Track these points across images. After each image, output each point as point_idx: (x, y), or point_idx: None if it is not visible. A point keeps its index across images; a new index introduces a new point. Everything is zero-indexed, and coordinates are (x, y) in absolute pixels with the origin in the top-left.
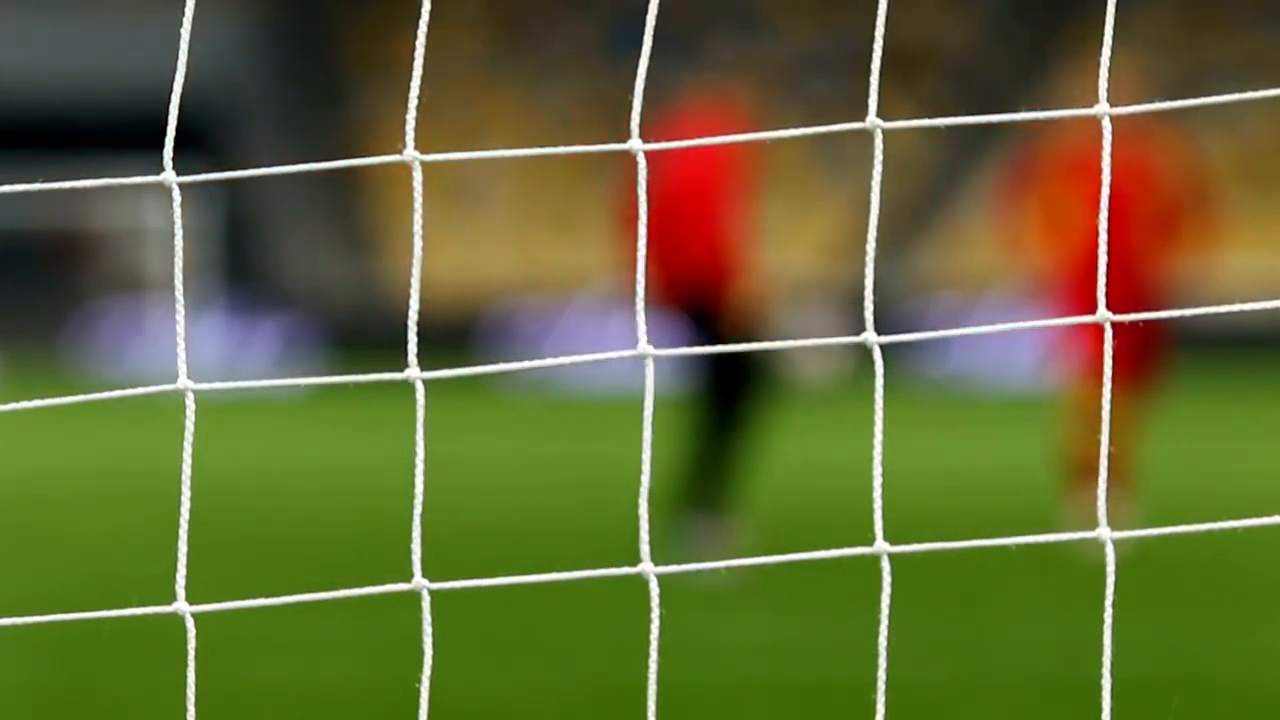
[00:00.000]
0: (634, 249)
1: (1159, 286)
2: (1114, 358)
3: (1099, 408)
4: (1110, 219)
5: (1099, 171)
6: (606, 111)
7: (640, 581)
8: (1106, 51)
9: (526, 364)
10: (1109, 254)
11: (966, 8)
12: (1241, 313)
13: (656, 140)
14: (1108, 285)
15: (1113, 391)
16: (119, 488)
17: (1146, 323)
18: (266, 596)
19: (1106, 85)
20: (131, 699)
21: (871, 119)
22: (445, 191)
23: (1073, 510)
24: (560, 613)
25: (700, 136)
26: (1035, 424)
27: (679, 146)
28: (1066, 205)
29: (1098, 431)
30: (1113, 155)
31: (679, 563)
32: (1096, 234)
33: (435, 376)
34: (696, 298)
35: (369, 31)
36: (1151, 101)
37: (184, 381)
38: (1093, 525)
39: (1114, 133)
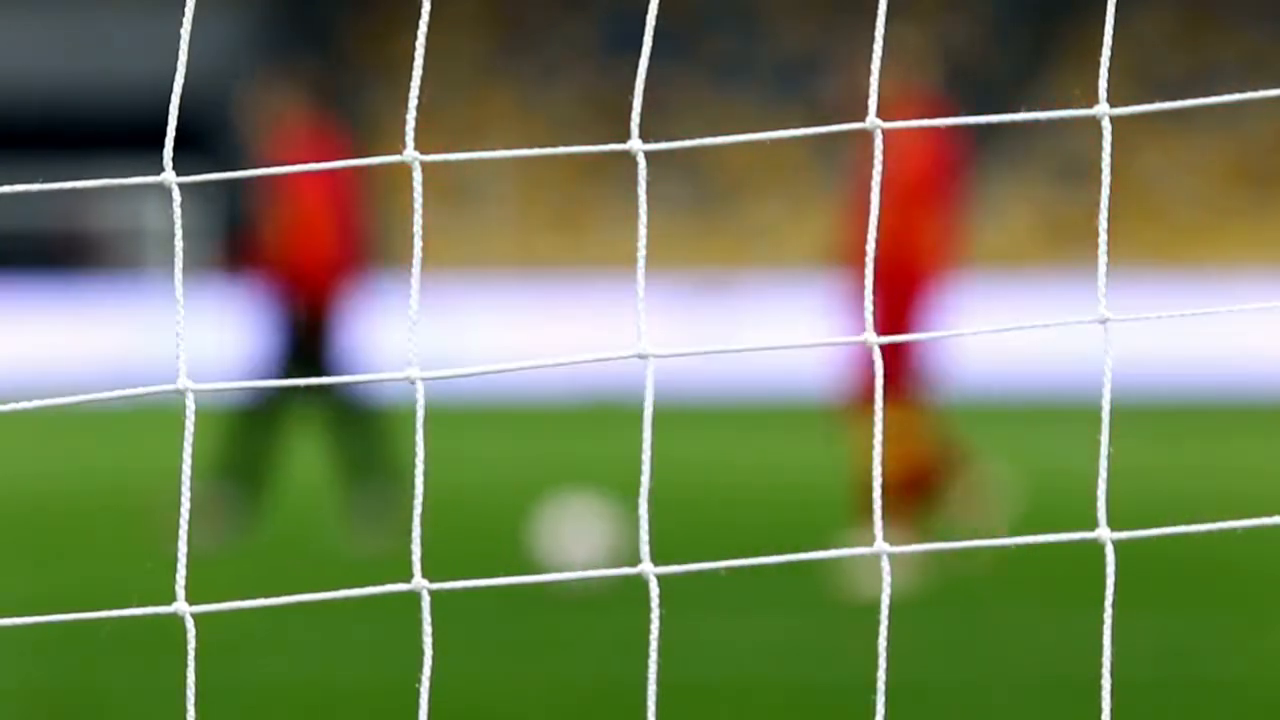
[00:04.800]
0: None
1: (916, 281)
2: (891, 373)
3: (870, 425)
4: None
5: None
6: (606, 111)
7: (640, 581)
8: (1106, 51)
9: (526, 364)
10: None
11: (966, 8)
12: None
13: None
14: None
15: (877, 405)
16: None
17: (904, 330)
18: (266, 597)
19: (1106, 86)
20: (131, 699)
21: (871, 119)
22: (445, 191)
23: (855, 535)
24: (560, 613)
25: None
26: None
27: (679, 147)
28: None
29: (871, 449)
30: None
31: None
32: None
33: (435, 376)
34: None
35: (369, 31)
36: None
37: (184, 381)
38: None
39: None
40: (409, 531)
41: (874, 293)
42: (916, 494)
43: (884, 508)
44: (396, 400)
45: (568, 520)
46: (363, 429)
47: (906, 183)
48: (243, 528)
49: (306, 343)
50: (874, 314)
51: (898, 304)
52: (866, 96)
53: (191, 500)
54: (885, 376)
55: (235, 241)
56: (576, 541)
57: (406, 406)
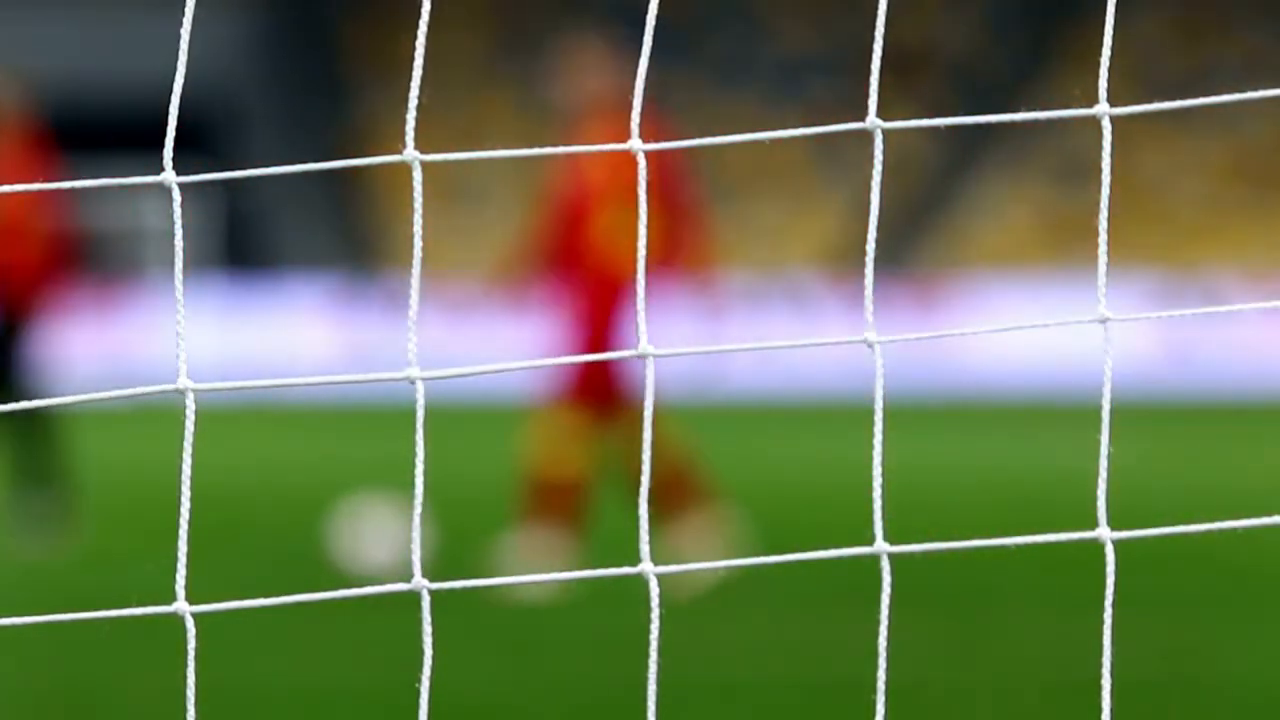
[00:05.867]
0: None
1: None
2: (577, 379)
3: (562, 428)
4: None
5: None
6: None
7: (640, 581)
8: (1106, 51)
9: (526, 364)
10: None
11: (966, 8)
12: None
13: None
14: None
15: (574, 412)
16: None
17: (602, 341)
18: (266, 597)
19: (1106, 86)
20: (131, 699)
21: (871, 119)
22: (445, 191)
23: (527, 535)
24: (560, 613)
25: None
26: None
27: (678, 147)
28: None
29: (561, 455)
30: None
31: None
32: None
33: (435, 376)
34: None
35: (369, 32)
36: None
37: (184, 381)
38: (536, 555)
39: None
40: (60, 536)
41: (575, 299)
42: (569, 501)
43: (543, 508)
44: (399, 400)
45: (367, 521)
46: (42, 435)
47: (582, 193)
48: (54, 531)
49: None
50: (574, 321)
51: (595, 310)
52: (585, 102)
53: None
54: (584, 383)
55: None
56: (376, 542)
57: (407, 406)
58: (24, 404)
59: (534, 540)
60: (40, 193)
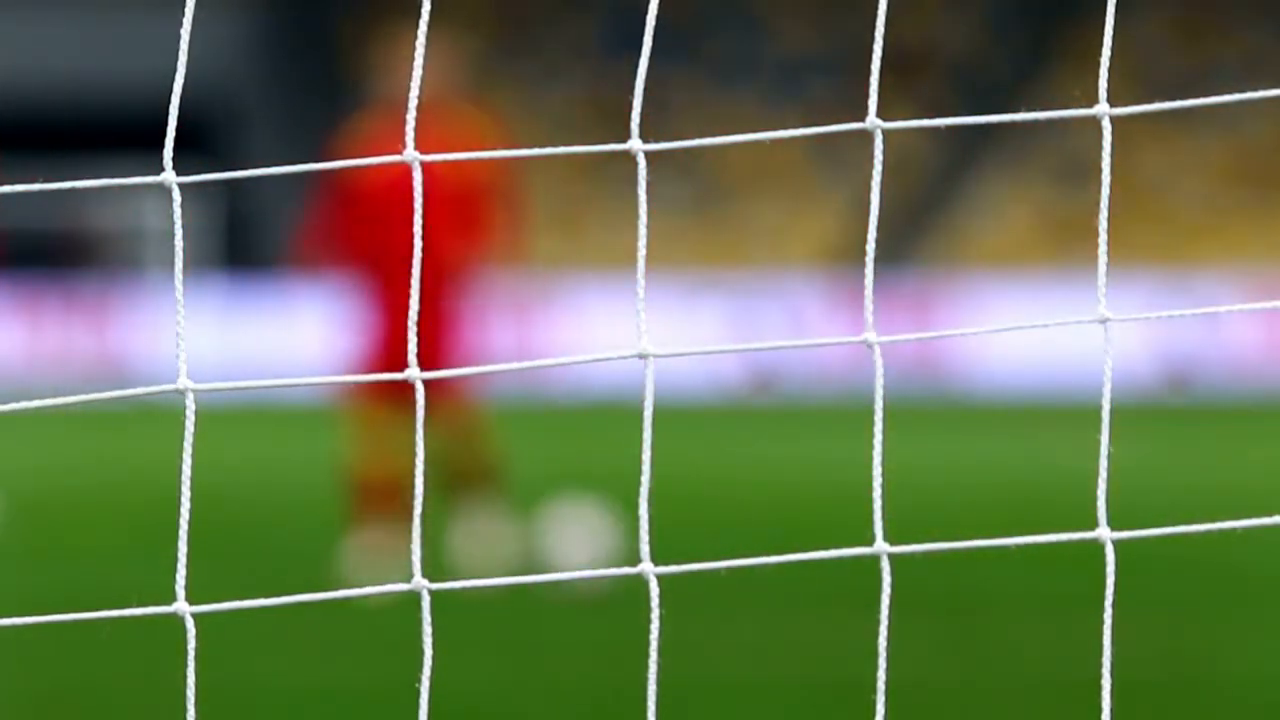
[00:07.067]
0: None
1: (457, 283)
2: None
3: (377, 424)
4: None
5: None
6: (606, 112)
7: (640, 581)
8: (1106, 51)
9: (526, 364)
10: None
11: (966, 8)
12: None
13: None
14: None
15: (388, 406)
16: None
17: (435, 333)
18: (266, 597)
19: (1106, 86)
20: (131, 699)
21: (871, 119)
22: None
23: (359, 538)
24: (560, 613)
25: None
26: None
27: (679, 146)
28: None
29: (376, 451)
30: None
31: None
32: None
33: (433, 376)
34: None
35: (369, 32)
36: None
37: (184, 382)
38: (374, 555)
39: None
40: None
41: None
42: (394, 498)
43: (369, 508)
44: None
45: (569, 524)
46: None
47: (366, 197)
48: None
49: None
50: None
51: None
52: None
53: None
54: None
55: None
56: (578, 545)
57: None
58: (21, 405)
59: (366, 541)
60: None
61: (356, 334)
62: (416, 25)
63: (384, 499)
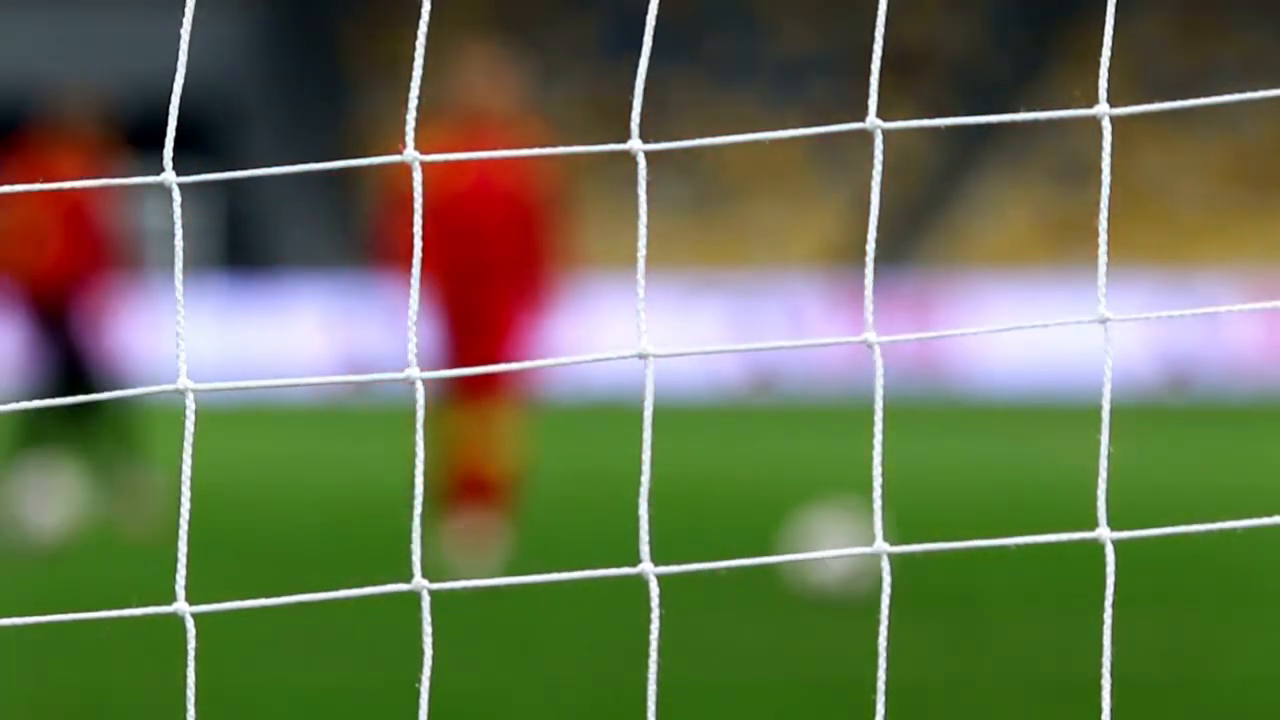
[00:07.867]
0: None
1: (521, 288)
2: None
3: (461, 424)
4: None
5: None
6: (606, 112)
7: (640, 581)
8: (1106, 51)
9: (526, 364)
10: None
11: (966, 8)
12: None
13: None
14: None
15: (462, 407)
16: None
17: (497, 336)
18: (266, 597)
19: (1106, 86)
20: (131, 699)
21: (871, 119)
22: None
23: (452, 531)
24: (560, 613)
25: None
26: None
27: (679, 146)
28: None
29: (461, 450)
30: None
31: None
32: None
33: (433, 376)
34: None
35: (369, 31)
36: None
37: (184, 382)
38: (468, 544)
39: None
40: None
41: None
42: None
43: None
44: (399, 400)
45: (825, 523)
46: (112, 422)
47: (441, 206)
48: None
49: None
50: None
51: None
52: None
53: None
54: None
55: None
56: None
57: (408, 407)
58: (27, 404)
59: (467, 528)
60: (65, 195)
61: (429, 336)
62: (417, 25)
63: (483, 489)
